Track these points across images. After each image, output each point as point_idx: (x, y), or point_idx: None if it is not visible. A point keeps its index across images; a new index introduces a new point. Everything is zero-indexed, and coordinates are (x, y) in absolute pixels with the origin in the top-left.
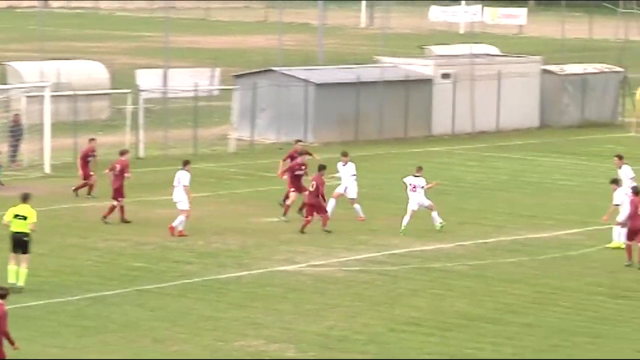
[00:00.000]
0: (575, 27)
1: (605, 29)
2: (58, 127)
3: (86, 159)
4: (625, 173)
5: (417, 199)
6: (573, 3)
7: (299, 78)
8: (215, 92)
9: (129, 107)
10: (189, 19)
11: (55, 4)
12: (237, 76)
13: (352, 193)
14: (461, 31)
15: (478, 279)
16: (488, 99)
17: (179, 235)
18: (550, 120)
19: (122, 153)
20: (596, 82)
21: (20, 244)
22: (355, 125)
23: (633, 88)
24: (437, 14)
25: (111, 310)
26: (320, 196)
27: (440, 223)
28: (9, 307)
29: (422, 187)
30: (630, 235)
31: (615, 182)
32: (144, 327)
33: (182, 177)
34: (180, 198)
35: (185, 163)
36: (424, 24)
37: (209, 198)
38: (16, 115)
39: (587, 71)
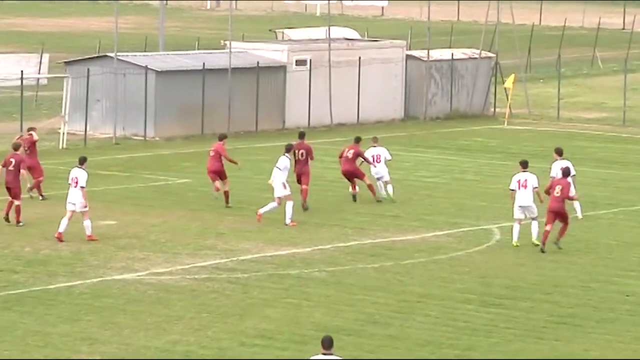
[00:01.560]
0: (442, 8)
1: (474, 9)
2: None
3: None
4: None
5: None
6: None
7: (137, 65)
8: (43, 81)
9: None
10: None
11: None
12: (68, 63)
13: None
14: (317, 13)
15: (337, 287)
16: (347, 87)
17: (90, 240)
18: (415, 111)
19: (16, 148)
20: (465, 69)
21: None
22: (201, 117)
23: (505, 75)
24: None
25: None
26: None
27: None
28: None
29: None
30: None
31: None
32: None
33: (80, 177)
34: (79, 199)
35: (82, 161)
36: (276, 6)
37: (34, 201)
38: None
39: (455, 57)
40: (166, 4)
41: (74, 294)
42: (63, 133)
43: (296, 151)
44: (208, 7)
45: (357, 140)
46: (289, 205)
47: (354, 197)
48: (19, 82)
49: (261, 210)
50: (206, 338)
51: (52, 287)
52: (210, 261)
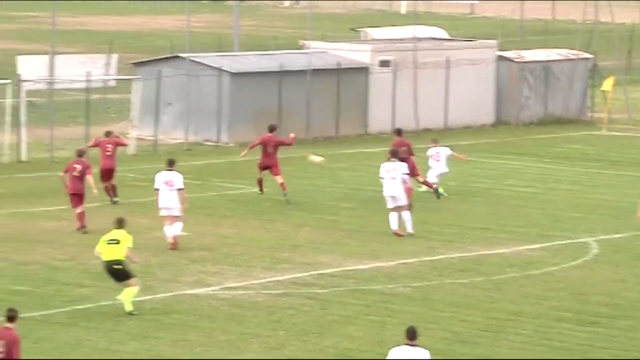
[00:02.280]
0: (536, 5)
1: (570, 7)
2: None
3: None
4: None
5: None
6: None
7: (211, 66)
8: (112, 83)
9: (8, 101)
10: None
11: None
12: (138, 64)
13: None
14: (403, 11)
15: (423, 303)
16: (434, 90)
17: (173, 247)
18: (507, 116)
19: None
20: (561, 71)
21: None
22: (278, 122)
23: (604, 78)
24: None
25: None
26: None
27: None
28: None
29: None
30: None
31: None
32: None
33: (175, 179)
34: (175, 203)
35: (172, 163)
36: (359, 3)
37: (103, 208)
38: None
39: (550, 58)
40: (240, 2)
41: (144, 309)
42: (132, 138)
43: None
44: (286, 4)
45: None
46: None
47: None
48: (85, 85)
49: (396, 228)
50: (283, 357)
51: (120, 302)
52: (287, 275)
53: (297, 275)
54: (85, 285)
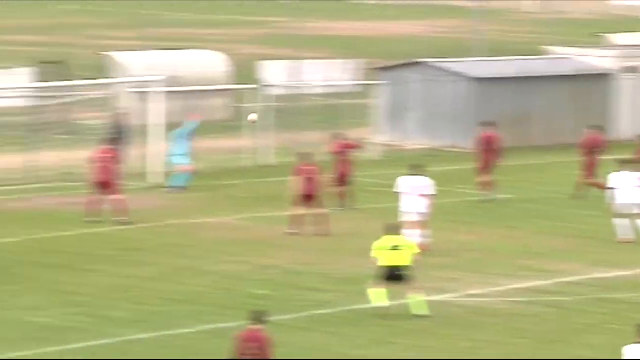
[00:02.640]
0: None
1: None
2: (168, 129)
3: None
4: None
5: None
6: None
7: (452, 72)
8: (355, 88)
9: (253, 106)
10: (324, 1)
11: None
12: (381, 69)
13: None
14: None
15: None
16: None
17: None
18: None
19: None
20: None
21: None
22: (520, 128)
23: None
24: None
25: (229, 346)
26: None
27: None
28: (106, 340)
29: None
30: None
31: None
32: None
33: (427, 184)
34: (419, 209)
35: (418, 167)
36: (603, 9)
37: (346, 213)
38: (118, 114)
39: None
40: (482, 7)
41: (385, 315)
42: (375, 143)
43: None
44: (529, 9)
45: None
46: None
47: None
48: (327, 90)
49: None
50: None
51: (360, 308)
52: (527, 283)
53: (537, 283)
54: (326, 290)
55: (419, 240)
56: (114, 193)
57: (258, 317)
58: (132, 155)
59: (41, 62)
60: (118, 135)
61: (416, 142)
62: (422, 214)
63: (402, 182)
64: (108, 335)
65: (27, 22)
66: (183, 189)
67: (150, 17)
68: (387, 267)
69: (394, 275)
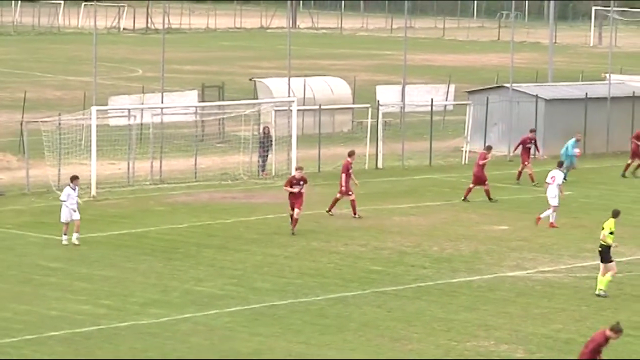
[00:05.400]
0: None
1: None
2: (303, 139)
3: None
4: None
5: None
6: None
7: (529, 94)
8: (450, 107)
9: (369, 121)
10: (425, 38)
11: (302, 25)
12: (471, 92)
13: None
14: None
15: None
16: None
17: (551, 227)
18: None
19: (350, 154)
20: None
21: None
22: (584, 138)
23: None
24: None
25: (351, 310)
26: None
27: None
28: (252, 305)
29: None
30: None
31: None
32: (382, 326)
33: (557, 176)
34: (554, 194)
35: (560, 164)
36: None
37: (442, 207)
38: (266, 127)
39: None
40: (555, 42)
41: (473, 287)
42: (465, 151)
43: None
44: (591, 44)
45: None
46: None
47: None
48: (429, 108)
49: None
50: (585, 327)
51: (454, 281)
52: (589, 262)
53: (597, 262)
54: (427, 267)
55: (545, 216)
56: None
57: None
58: (276, 159)
59: (204, 86)
60: (265, 144)
61: (500, 150)
62: (552, 198)
63: (549, 174)
64: (253, 302)
65: (193, 55)
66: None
67: (286, 51)
68: (607, 246)
69: (607, 255)
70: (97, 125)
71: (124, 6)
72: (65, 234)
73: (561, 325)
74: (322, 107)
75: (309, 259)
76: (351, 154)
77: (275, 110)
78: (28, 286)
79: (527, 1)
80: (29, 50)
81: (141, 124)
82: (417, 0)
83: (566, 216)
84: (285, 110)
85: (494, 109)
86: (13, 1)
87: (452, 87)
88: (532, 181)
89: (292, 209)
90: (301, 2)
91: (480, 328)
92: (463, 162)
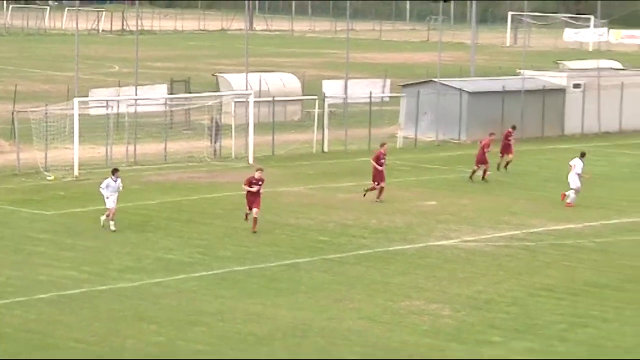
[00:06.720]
0: None
1: None
2: (259, 127)
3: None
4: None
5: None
6: None
7: (454, 87)
8: (386, 99)
9: (316, 111)
10: (365, 39)
11: (258, 27)
12: (404, 86)
13: None
14: (590, 49)
15: (603, 254)
16: (612, 105)
17: (567, 206)
18: None
19: (382, 145)
20: None
21: None
22: (501, 126)
23: None
24: (570, 35)
25: (301, 275)
26: None
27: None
28: (216, 271)
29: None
30: None
31: None
32: (328, 289)
33: (577, 165)
34: (572, 180)
35: (582, 155)
36: (559, 43)
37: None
38: (214, 117)
39: None
40: (476, 42)
41: (406, 254)
42: (399, 137)
43: None
44: (507, 44)
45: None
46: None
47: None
48: (368, 100)
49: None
50: (503, 289)
51: (390, 249)
52: (506, 232)
53: (513, 232)
54: (367, 237)
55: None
56: None
57: None
58: (235, 144)
59: (173, 81)
60: (216, 132)
61: (428, 136)
62: (571, 182)
63: (571, 162)
64: (216, 268)
65: (163, 54)
66: None
67: (244, 50)
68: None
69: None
70: (79, 115)
71: (102, 11)
72: (112, 220)
73: (482, 287)
74: (276, 98)
75: (265, 231)
76: (382, 145)
77: (235, 102)
78: (19, 255)
79: (452, 7)
80: (19, 49)
81: (118, 114)
82: (358, 5)
83: (487, 194)
84: (244, 101)
85: (424, 101)
86: (5, 5)
87: (388, 81)
88: (498, 169)
89: (250, 209)
90: (257, 7)
91: (413, 290)
92: (397, 146)
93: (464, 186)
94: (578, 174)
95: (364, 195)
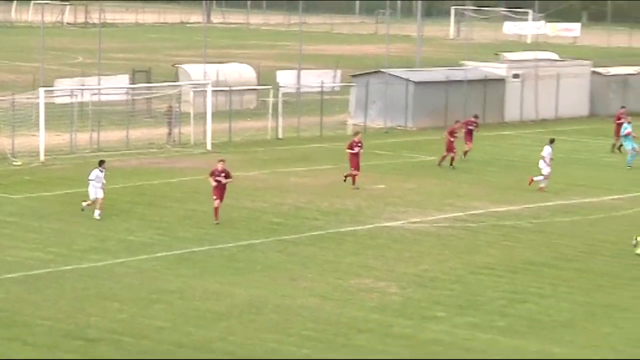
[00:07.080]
0: (619, 38)
1: None
2: (217, 115)
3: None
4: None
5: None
6: (617, 20)
7: (401, 77)
8: (337, 88)
9: (271, 100)
10: (317, 32)
11: (216, 20)
12: (354, 76)
13: None
14: (528, 41)
15: (540, 234)
16: (549, 93)
17: (540, 191)
18: (598, 111)
19: (356, 134)
20: (635, 81)
21: None
22: (445, 114)
23: None
24: (510, 28)
25: (257, 255)
26: None
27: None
28: (176, 251)
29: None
30: None
31: None
32: (283, 268)
33: (546, 150)
34: (542, 166)
35: (551, 141)
36: (499, 36)
37: (331, 170)
38: (169, 105)
39: (627, 73)
40: (422, 35)
41: (357, 235)
42: (349, 124)
43: None
44: (451, 37)
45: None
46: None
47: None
48: (320, 89)
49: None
50: (447, 267)
51: (341, 230)
52: (450, 214)
53: (457, 214)
54: (319, 219)
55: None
56: None
57: None
58: (194, 131)
59: (134, 71)
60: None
61: (377, 123)
62: (542, 168)
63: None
64: (177, 248)
65: (125, 45)
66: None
67: (202, 42)
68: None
69: None
70: (44, 103)
71: (67, 4)
72: (99, 210)
73: (427, 266)
74: (232, 88)
75: (222, 213)
76: (356, 133)
77: (194, 91)
78: None
79: (399, 1)
80: None
81: (82, 102)
82: (310, 0)
83: (432, 178)
84: (202, 90)
85: (373, 90)
86: None
87: (339, 72)
88: (464, 156)
89: (215, 200)
90: (214, 1)
91: (362, 269)
92: (348, 133)
93: (411, 170)
94: (544, 158)
95: (344, 180)
